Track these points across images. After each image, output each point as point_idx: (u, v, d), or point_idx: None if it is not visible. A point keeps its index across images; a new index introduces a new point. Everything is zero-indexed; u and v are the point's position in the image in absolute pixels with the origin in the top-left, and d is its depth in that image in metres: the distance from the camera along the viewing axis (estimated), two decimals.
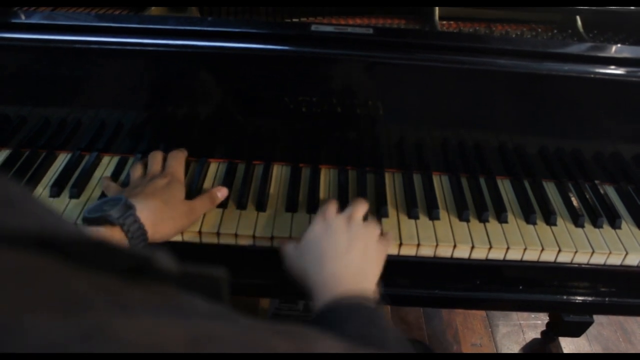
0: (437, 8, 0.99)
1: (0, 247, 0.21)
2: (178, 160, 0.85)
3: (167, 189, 0.77)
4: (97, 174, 0.89)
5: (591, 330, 1.66)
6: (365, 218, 0.76)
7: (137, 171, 0.84)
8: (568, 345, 1.68)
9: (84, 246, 0.23)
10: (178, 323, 0.22)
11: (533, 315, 1.80)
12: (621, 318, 1.79)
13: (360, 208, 0.76)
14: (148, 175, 0.82)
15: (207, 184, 0.88)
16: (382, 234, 0.76)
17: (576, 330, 1.45)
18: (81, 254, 0.23)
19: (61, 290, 0.21)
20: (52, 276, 0.21)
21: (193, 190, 0.85)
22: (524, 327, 1.75)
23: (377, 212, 0.84)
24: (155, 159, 0.85)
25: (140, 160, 0.87)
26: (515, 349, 1.68)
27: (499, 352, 1.66)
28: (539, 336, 1.65)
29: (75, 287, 0.22)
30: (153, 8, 0.95)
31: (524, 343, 1.70)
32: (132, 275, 0.24)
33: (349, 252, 0.67)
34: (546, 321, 1.58)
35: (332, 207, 0.76)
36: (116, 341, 0.19)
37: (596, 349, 1.70)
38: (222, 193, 0.83)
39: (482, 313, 1.77)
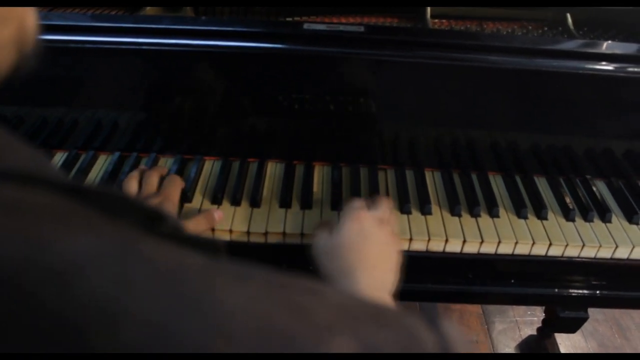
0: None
1: (43, 189, 0.23)
2: (175, 186, 0.82)
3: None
4: (94, 172, 0.90)
5: (587, 326, 1.67)
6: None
7: (131, 188, 0.82)
8: (564, 341, 1.69)
9: (106, 196, 0.26)
10: (195, 255, 0.24)
11: (529, 311, 1.80)
12: (616, 314, 1.80)
13: (388, 209, 0.76)
14: (142, 196, 0.80)
15: (202, 181, 0.89)
16: None
17: (572, 326, 1.44)
18: (103, 203, 0.25)
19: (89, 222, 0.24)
20: (84, 214, 0.24)
21: (188, 189, 0.85)
22: (519, 324, 1.76)
23: None
24: (151, 179, 0.83)
25: (136, 174, 0.84)
26: (511, 345, 1.69)
27: (495, 348, 1.67)
28: (534, 332, 1.66)
29: (101, 222, 0.24)
30: (148, 8, 0.96)
31: (520, 339, 1.71)
32: (147, 227, 0.26)
33: (376, 267, 0.66)
34: (542, 317, 1.58)
35: (363, 205, 0.74)
36: (148, 260, 0.22)
37: (592, 344, 1.71)
38: (219, 215, 0.81)
39: (478, 310, 1.78)
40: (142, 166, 0.89)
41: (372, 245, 0.68)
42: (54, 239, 0.21)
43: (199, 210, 0.83)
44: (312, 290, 0.25)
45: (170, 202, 0.79)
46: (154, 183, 0.83)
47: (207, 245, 0.29)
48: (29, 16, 0.33)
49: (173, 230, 0.28)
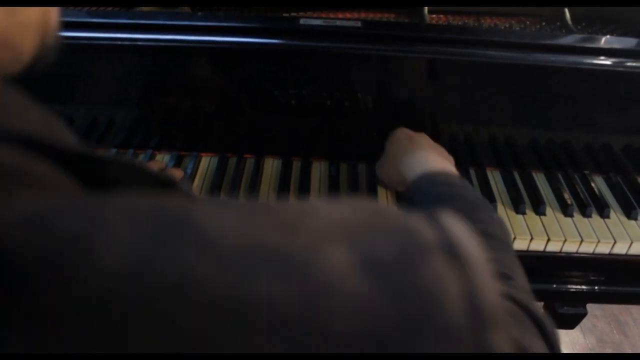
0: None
1: (46, 157, 0.24)
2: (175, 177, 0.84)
3: None
4: None
5: (585, 322, 1.66)
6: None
7: None
8: (562, 337, 1.68)
9: (116, 163, 0.26)
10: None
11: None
12: (615, 310, 1.80)
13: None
14: None
15: (198, 178, 0.89)
16: None
17: (570, 322, 1.44)
18: (113, 170, 0.26)
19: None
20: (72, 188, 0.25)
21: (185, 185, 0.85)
22: None
23: None
24: None
25: None
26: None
27: None
28: None
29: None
30: (143, 8, 0.95)
31: None
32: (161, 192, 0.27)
33: (431, 149, 0.76)
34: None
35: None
36: (123, 203, 0.22)
37: (590, 340, 1.71)
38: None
39: None
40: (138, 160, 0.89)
41: (420, 138, 0.78)
42: (28, 196, 0.21)
43: None
44: (300, 210, 0.25)
45: None
46: None
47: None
48: (52, 6, 0.34)
49: (182, 189, 0.28)
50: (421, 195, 0.66)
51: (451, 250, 0.24)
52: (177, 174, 0.85)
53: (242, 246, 0.21)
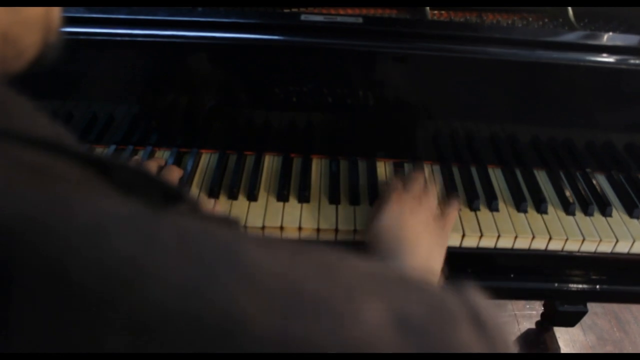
0: None
1: (65, 159, 0.24)
2: (172, 176, 0.83)
3: None
4: None
5: (585, 319, 1.67)
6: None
7: None
8: (563, 335, 1.69)
9: (126, 170, 0.26)
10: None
11: (528, 305, 1.80)
12: (615, 307, 1.80)
13: (419, 184, 0.78)
14: None
15: (199, 174, 0.88)
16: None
17: (571, 320, 1.45)
18: (123, 176, 0.26)
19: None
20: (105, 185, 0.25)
21: (185, 182, 0.85)
22: (518, 318, 1.76)
23: (369, 201, 0.85)
24: (149, 169, 0.83)
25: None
26: (510, 339, 1.69)
27: None
28: (533, 326, 1.65)
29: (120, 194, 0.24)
30: None
31: (518, 333, 1.71)
32: (164, 206, 0.27)
33: (419, 246, 0.69)
34: (541, 311, 1.58)
35: (399, 185, 0.77)
36: (174, 224, 0.22)
37: (591, 338, 1.71)
38: (179, 172, 0.83)
39: None
40: (137, 157, 0.89)
41: (413, 225, 0.70)
42: (79, 201, 0.21)
43: None
44: (338, 257, 0.25)
45: None
46: (151, 170, 0.82)
47: (222, 222, 0.28)
48: (55, 7, 0.34)
49: (192, 209, 0.28)
50: None
51: (477, 320, 0.26)
52: (177, 172, 0.84)
53: (286, 288, 0.22)
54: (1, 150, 0.22)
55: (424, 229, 0.71)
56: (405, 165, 0.92)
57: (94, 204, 0.21)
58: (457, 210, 0.79)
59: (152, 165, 0.84)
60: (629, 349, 1.69)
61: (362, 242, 0.81)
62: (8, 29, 0.29)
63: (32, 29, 0.31)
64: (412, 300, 0.25)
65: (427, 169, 0.92)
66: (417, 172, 0.83)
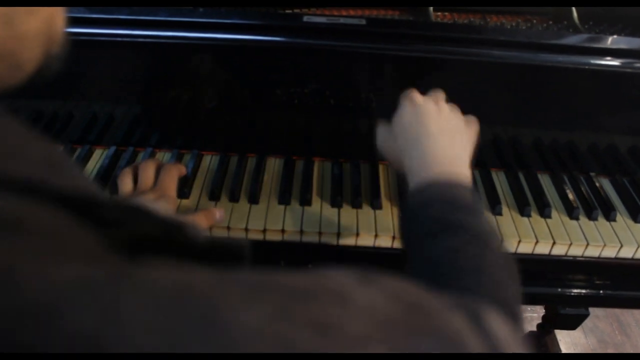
0: None
1: (45, 203, 0.22)
2: (171, 176, 0.80)
3: (153, 205, 0.74)
4: (89, 167, 0.89)
5: (587, 322, 1.66)
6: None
7: (126, 185, 0.79)
8: (564, 337, 1.68)
9: (122, 210, 0.24)
10: (203, 270, 0.23)
11: (529, 308, 1.80)
12: (617, 310, 1.79)
13: (441, 94, 0.72)
14: (137, 191, 0.78)
15: (200, 177, 0.88)
16: None
17: (572, 323, 1.44)
18: (117, 217, 0.24)
19: (87, 249, 0.22)
20: (81, 237, 0.22)
21: (186, 184, 0.84)
22: None
23: (371, 205, 0.84)
24: (146, 173, 0.80)
25: (129, 170, 0.81)
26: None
27: None
28: (535, 329, 1.65)
29: (96, 246, 0.22)
30: None
31: None
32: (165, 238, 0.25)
33: (442, 134, 0.63)
34: (542, 314, 1.58)
35: (415, 91, 0.70)
36: (143, 285, 0.20)
37: (592, 341, 1.70)
38: (220, 214, 0.79)
39: None
40: (136, 163, 0.87)
41: (432, 117, 0.65)
42: (36, 271, 0.19)
43: (197, 207, 0.82)
44: (337, 297, 0.23)
45: (167, 197, 0.77)
46: (149, 177, 0.80)
47: (230, 249, 0.27)
48: (59, 15, 0.32)
49: (192, 240, 0.26)
50: (418, 223, 0.54)
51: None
52: (175, 171, 0.82)
53: (273, 353, 0.19)
54: None
55: (446, 120, 0.66)
56: None
57: (45, 275, 0.19)
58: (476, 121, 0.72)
59: (150, 169, 0.81)
60: (630, 352, 1.68)
61: (364, 246, 0.81)
62: (2, 44, 0.28)
63: (31, 44, 0.30)
64: (423, 344, 0.23)
65: None
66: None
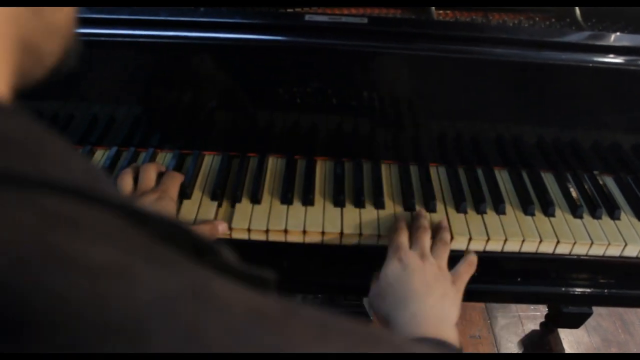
0: None
1: (101, 209, 0.21)
2: (174, 180, 0.80)
3: (156, 204, 0.74)
4: None
5: (590, 321, 1.65)
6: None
7: (126, 184, 0.79)
8: (567, 336, 1.68)
9: (163, 223, 0.24)
10: (268, 298, 0.22)
11: (532, 306, 1.79)
12: (620, 309, 1.79)
13: (426, 237, 0.76)
14: (138, 192, 0.78)
15: (201, 177, 0.87)
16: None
17: (575, 322, 1.44)
18: (159, 230, 0.23)
19: (151, 250, 0.22)
20: (142, 238, 0.22)
21: (187, 185, 0.84)
22: (523, 319, 1.75)
23: (374, 204, 0.83)
24: (148, 174, 0.80)
25: (130, 170, 0.81)
26: (514, 340, 1.68)
27: (498, 343, 1.66)
28: (538, 327, 1.65)
29: (161, 251, 0.22)
30: None
31: (523, 334, 1.70)
32: (198, 258, 0.24)
33: (429, 295, 0.66)
34: (545, 312, 1.57)
35: (404, 242, 0.74)
36: (218, 299, 0.20)
37: (595, 340, 1.70)
38: (222, 227, 0.78)
39: (481, 305, 1.77)
40: (136, 164, 0.86)
41: (418, 277, 0.68)
42: (123, 282, 0.19)
43: (198, 208, 0.82)
44: (396, 347, 0.23)
45: (168, 198, 0.77)
46: (151, 178, 0.80)
47: (256, 280, 0.26)
48: (74, 14, 0.32)
49: (225, 264, 0.25)
50: None
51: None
52: (178, 178, 0.82)
53: None
54: (32, 201, 0.20)
55: (433, 280, 0.68)
56: (411, 167, 0.91)
57: (135, 285, 0.19)
58: (471, 268, 0.75)
59: (152, 170, 0.81)
60: (633, 351, 1.68)
61: (367, 246, 0.80)
62: (31, 34, 0.27)
63: (54, 36, 0.30)
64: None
65: (433, 172, 0.91)
66: (420, 220, 0.79)
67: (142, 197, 0.75)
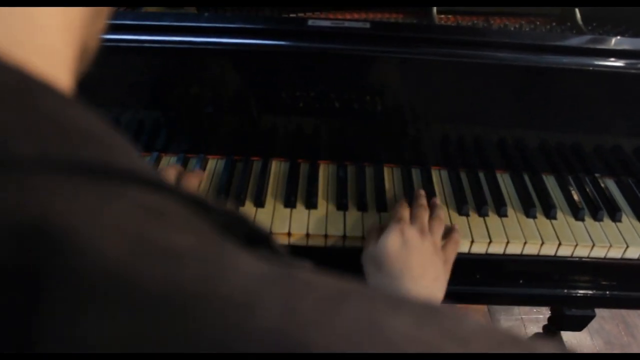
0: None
1: (172, 198, 0.21)
2: (193, 182, 0.84)
3: None
4: None
5: (593, 324, 1.65)
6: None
7: None
8: (570, 339, 1.68)
9: (224, 213, 0.24)
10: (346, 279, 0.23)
11: (535, 309, 1.79)
12: (623, 312, 1.79)
13: (425, 215, 0.79)
14: None
15: (205, 180, 0.88)
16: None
17: (578, 324, 1.44)
18: (226, 221, 0.24)
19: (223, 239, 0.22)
20: (211, 228, 0.22)
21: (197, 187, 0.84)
22: (525, 322, 1.75)
23: (376, 206, 0.84)
24: (167, 174, 0.83)
25: None
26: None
27: None
28: (540, 330, 1.64)
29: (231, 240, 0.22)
30: (148, 9, 0.94)
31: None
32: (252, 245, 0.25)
33: (424, 277, 0.69)
34: (548, 315, 1.57)
35: (406, 216, 0.78)
36: (309, 285, 0.20)
37: (598, 342, 1.70)
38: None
39: (483, 307, 1.77)
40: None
41: (416, 256, 0.71)
42: (225, 261, 0.19)
43: None
44: (456, 317, 0.23)
45: None
46: (170, 177, 0.83)
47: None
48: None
49: (277, 250, 0.26)
50: None
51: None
52: (196, 178, 0.84)
53: (422, 352, 0.20)
54: (120, 194, 0.20)
55: (429, 263, 0.71)
56: (413, 170, 0.91)
57: (237, 262, 0.19)
58: (457, 243, 0.79)
59: (171, 173, 0.83)
60: (637, 352, 1.68)
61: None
62: (88, 39, 0.28)
63: (96, 41, 0.30)
64: None
65: (435, 175, 0.91)
66: (421, 199, 0.83)
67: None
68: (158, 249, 0.19)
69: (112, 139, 0.22)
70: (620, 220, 0.86)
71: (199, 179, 0.85)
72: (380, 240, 0.74)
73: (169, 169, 0.85)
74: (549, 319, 1.55)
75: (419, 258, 0.71)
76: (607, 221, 0.85)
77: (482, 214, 0.84)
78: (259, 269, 0.20)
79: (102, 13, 0.29)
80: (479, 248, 0.81)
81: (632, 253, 0.82)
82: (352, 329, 0.19)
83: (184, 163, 0.91)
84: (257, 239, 0.25)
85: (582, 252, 0.82)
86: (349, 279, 0.23)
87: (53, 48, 0.25)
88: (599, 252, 0.82)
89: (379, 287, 0.68)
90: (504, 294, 0.87)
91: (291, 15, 0.97)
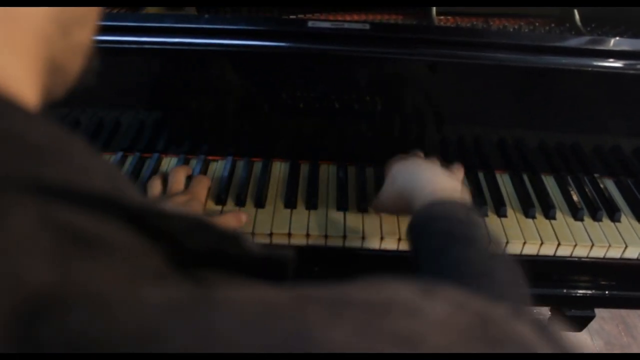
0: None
1: (114, 221, 0.22)
2: (202, 184, 0.84)
3: (185, 207, 0.76)
4: None
5: (593, 324, 1.66)
6: None
7: (155, 187, 0.83)
8: (570, 340, 1.68)
9: (186, 222, 0.24)
10: (274, 288, 0.23)
11: (535, 310, 1.79)
12: (623, 312, 1.79)
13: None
14: (168, 193, 0.81)
15: None
16: None
17: (578, 325, 1.44)
18: (182, 229, 0.24)
19: (156, 268, 0.22)
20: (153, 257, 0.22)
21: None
22: None
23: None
24: (177, 177, 0.84)
25: (160, 175, 0.85)
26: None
27: None
28: None
29: (164, 268, 0.22)
30: (149, 9, 0.95)
31: None
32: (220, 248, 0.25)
33: (437, 176, 0.70)
34: (548, 316, 1.57)
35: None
36: (229, 306, 0.20)
37: (598, 343, 1.70)
38: (245, 217, 0.80)
39: None
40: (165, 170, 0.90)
41: (424, 164, 0.73)
42: (128, 294, 0.19)
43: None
44: (409, 310, 0.23)
45: (198, 200, 0.79)
46: (180, 181, 0.83)
47: (279, 261, 0.27)
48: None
49: (248, 252, 0.26)
50: (426, 238, 0.59)
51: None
52: (205, 182, 0.85)
53: None
54: (46, 212, 0.20)
55: (439, 171, 0.72)
56: None
57: (139, 299, 0.19)
58: (460, 168, 0.84)
59: (181, 174, 0.84)
60: (637, 353, 1.68)
61: (370, 249, 0.81)
62: (60, 55, 0.28)
63: (77, 56, 0.30)
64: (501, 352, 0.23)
65: None
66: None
67: (171, 199, 0.78)
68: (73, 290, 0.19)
69: (66, 152, 0.23)
70: (619, 221, 0.86)
71: (206, 187, 0.85)
72: (388, 164, 0.78)
73: (179, 169, 0.85)
74: (549, 319, 1.56)
75: (426, 166, 0.73)
76: (606, 221, 0.86)
77: (482, 214, 0.85)
78: (165, 298, 0.20)
79: (72, 29, 0.29)
80: None
81: (631, 253, 0.82)
82: (282, 346, 0.19)
83: (185, 164, 0.91)
84: (228, 239, 0.25)
85: (581, 252, 0.82)
86: (291, 287, 0.22)
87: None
88: (598, 252, 0.82)
89: (401, 197, 0.71)
90: None
91: (291, 16, 0.97)
